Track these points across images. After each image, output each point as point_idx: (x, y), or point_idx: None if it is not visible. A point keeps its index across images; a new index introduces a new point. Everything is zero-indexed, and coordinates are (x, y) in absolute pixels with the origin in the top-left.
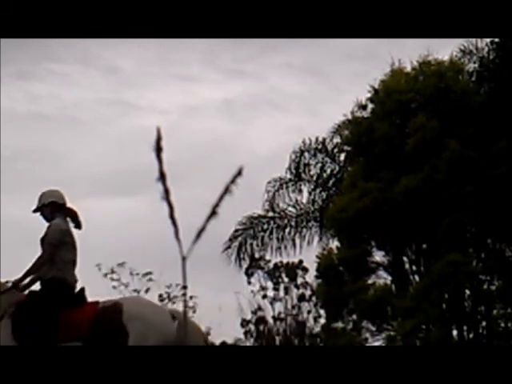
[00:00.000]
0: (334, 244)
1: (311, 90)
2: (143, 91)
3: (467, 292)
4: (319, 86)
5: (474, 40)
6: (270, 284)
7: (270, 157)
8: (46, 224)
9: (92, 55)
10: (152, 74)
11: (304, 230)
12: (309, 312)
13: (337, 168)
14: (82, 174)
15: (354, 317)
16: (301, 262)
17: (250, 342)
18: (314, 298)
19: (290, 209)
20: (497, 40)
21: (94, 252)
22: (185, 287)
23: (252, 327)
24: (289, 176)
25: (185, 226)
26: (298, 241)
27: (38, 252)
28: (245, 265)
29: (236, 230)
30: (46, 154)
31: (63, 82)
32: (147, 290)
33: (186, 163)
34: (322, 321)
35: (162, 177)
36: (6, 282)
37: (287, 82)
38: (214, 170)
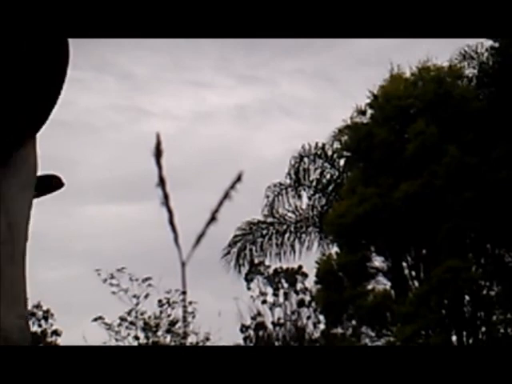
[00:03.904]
0: (334, 249)
1: (323, 96)
2: (156, 97)
3: (467, 298)
4: (331, 92)
5: (473, 45)
6: (269, 289)
7: (281, 163)
8: None
9: (107, 61)
10: (165, 79)
11: (303, 235)
12: (308, 318)
13: (336, 173)
14: (89, 181)
15: (354, 322)
16: (300, 267)
17: None
18: (313, 304)
19: (290, 214)
20: (496, 45)
21: (94, 257)
22: (184, 293)
23: (251, 333)
24: (288, 181)
25: (188, 232)
26: (297, 246)
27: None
28: (244, 270)
29: (235, 236)
30: (59, 160)
31: (77, 88)
32: (146, 296)
33: (198, 169)
34: (322, 326)
35: (162, 182)
36: None
37: (299, 88)
38: (226, 175)
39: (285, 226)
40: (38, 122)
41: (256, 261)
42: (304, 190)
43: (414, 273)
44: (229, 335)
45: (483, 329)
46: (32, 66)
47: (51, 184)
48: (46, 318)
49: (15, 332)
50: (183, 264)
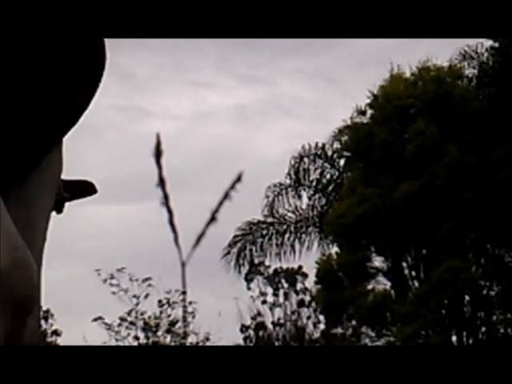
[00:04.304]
0: (334, 249)
1: (323, 96)
2: (156, 97)
3: (467, 298)
4: (331, 92)
5: (473, 45)
6: (269, 289)
7: (281, 163)
8: None
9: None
10: (165, 79)
11: (303, 235)
12: (308, 318)
13: (336, 173)
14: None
15: (354, 322)
16: (300, 267)
17: None
18: (313, 304)
19: (290, 214)
20: (496, 45)
21: (94, 257)
22: (184, 293)
23: (251, 333)
24: (288, 181)
25: (188, 232)
26: (297, 246)
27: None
28: (244, 270)
29: (235, 236)
30: None
31: None
32: (146, 296)
33: (198, 168)
34: (322, 326)
35: (162, 182)
36: None
37: (299, 88)
38: (226, 175)
39: (285, 226)
40: (69, 126)
41: (256, 261)
42: (304, 189)
43: (414, 273)
44: (229, 335)
45: (483, 329)
46: (66, 69)
47: (83, 189)
48: (46, 318)
49: (26, 333)
50: (183, 264)
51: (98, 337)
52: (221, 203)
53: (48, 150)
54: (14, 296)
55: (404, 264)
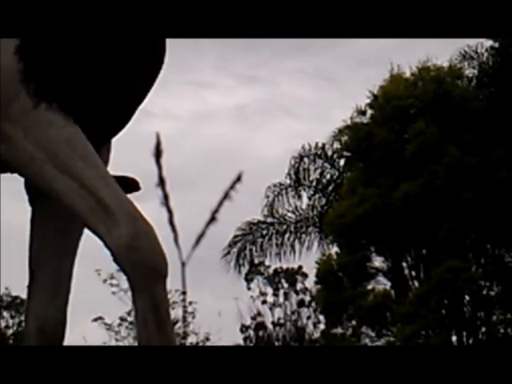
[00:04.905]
0: (334, 250)
1: (323, 96)
2: (157, 97)
3: (467, 298)
4: (331, 92)
5: (473, 45)
6: (269, 290)
7: (281, 163)
8: None
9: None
10: (165, 79)
11: (303, 235)
12: (308, 318)
13: (336, 174)
14: None
15: (354, 322)
16: (300, 267)
17: None
18: (313, 304)
19: (290, 214)
20: (496, 45)
21: (94, 257)
22: (184, 293)
23: (251, 333)
24: (288, 181)
25: (188, 232)
26: (297, 246)
27: None
28: (244, 270)
29: (235, 236)
30: None
31: None
32: None
33: (198, 169)
34: (322, 326)
35: (162, 182)
36: None
37: (299, 88)
38: (226, 175)
39: (285, 226)
40: (121, 127)
41: (256, 261)
42: (304, 190)
43: (414, 273)
44: (229, 335)
45: (483, 329)
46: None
47: (127, 185)
48: None
49: (50, 324)
50: (183, 264)
51: (97, 337)
52: (221, 203)
53: (99, 148)
54: (144, 266)
55: (404, 264)
